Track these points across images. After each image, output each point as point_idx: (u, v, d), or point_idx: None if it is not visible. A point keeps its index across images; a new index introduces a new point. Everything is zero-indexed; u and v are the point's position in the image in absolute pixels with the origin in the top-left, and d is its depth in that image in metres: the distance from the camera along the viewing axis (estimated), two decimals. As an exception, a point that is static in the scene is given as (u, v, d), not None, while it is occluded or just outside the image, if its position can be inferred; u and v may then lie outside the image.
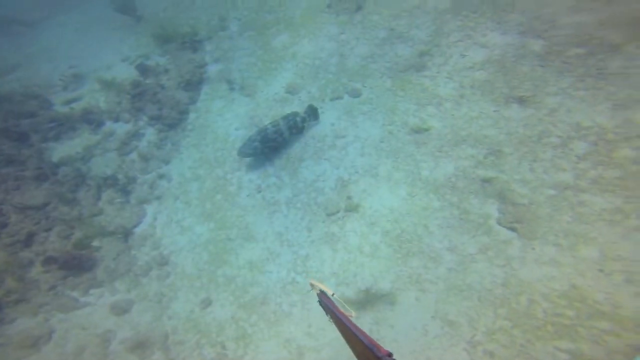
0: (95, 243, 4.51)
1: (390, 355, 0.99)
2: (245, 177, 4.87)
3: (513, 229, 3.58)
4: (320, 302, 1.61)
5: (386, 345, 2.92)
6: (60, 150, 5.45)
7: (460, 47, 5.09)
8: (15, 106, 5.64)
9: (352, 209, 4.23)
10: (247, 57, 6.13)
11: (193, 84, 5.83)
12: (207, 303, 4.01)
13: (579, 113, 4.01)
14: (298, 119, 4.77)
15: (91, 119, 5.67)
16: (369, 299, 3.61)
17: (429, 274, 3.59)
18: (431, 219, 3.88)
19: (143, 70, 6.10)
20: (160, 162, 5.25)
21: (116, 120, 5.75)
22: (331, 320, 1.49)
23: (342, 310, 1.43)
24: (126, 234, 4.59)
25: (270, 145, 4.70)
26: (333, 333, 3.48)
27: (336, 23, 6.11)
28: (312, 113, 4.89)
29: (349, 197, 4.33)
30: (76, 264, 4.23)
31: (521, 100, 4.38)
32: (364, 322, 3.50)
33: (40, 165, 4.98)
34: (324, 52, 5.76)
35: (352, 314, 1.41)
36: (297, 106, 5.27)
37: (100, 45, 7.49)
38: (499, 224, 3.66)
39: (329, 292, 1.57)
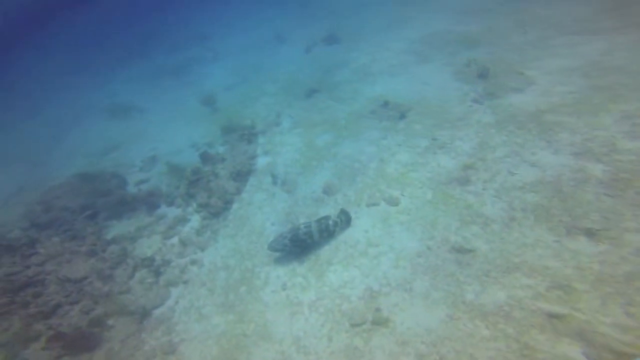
0: (110, 321, 4.52)
1: None
2: (273, 273, 4.75)
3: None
4: None
5: None
6: (117, 228, 6.08)
7: (507, 164, 4.84)
8: (98, 185, 6.69)
9: (380, 322, 3.75)
10: (292, 153, 6.64)
11: (242, 174, 6.37)
12: None
13: None
14: (330, 222, 4.74)
15: (151, 202, 6.37)
16: None
17: None
18: (479, 348, 3.23)
19: (205, 158, 6.95)
20: (197, 248, 5.45)
21: (170, 204, 6.37)
22: None
23: None
24: (144, 314, 4.56)
25: (299, 245, 4.69)
26: None
27: (379, 128, 6.46)
28: (345, 219, 4.84)
29: (377, 309, 3.88)
30: (82, 343, 4.19)
31: (590, 234, 3.75)
32: None
33: (95, 242, 5.53)
34: (364, 156, 5.97)
35: None
36: (332, 208, 5.28)
37: (178, 131, 8.96)
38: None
39: None
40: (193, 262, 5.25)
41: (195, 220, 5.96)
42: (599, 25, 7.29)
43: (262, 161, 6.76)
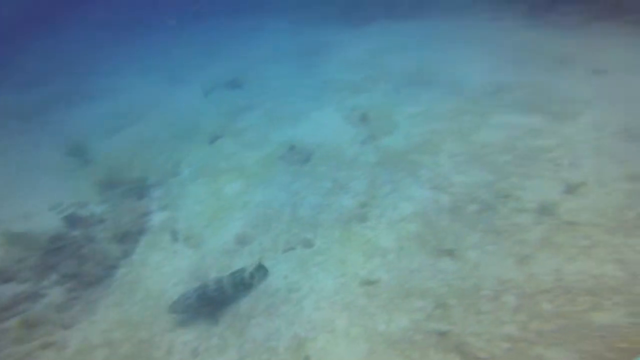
0: None
1: None
2: (179, 339, 4.02)
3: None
4: None
5: None
6: None
7: (392, 199, 5.93)
8: None
9: None
10: (196, 205, 6.08)
11: (131, 235, 5.29)
12: None
13: (494, 267, 4.58)
14: (245, 275, 4.51)
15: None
16: None
17: None
18: None
19: (72, 221, 5.42)
20: (57, 326, 4.03)
21: (9, 280, 4.55)
22: None
23: None
24: None
25: (209, 303, 4.23)
26: None
27: (288, 173, 6.79)
28: (261, 270, 4.73)
29: (306, 357, 3.80)
30: None
31: (450, 254, 4.93)
32: None
33: None
34: (276, 202, 6.09)
35: None
36: (247, 258, 5.03)
37: (31, 190, 6.74)
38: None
39: None
40: (45, 346, 3.89)
41: (56, 294, 4.48)
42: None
43: (157, 217, 5.86)
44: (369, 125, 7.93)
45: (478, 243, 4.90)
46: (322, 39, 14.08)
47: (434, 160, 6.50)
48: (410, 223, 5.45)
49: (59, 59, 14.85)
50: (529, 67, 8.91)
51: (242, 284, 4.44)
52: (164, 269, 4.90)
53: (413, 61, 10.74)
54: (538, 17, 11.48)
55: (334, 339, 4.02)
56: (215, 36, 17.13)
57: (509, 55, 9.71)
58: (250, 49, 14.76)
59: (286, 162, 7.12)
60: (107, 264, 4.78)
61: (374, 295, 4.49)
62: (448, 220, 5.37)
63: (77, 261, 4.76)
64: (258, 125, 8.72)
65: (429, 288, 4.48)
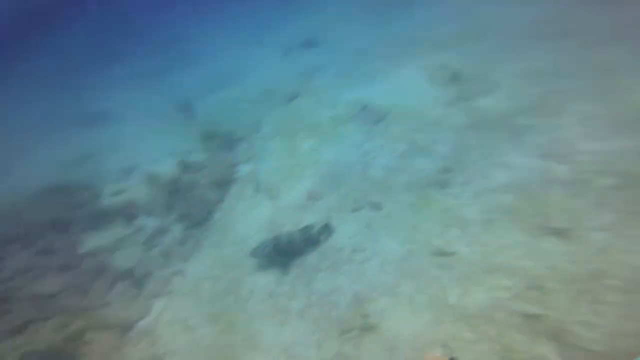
0: (88, 336, 4.27)
1: None
2: (260, 282, 4.66)
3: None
4: None
5: None
6: (93, 240, 5.75)
7: (482, 166, 4.97)
8: (70, 197, 6.29)
9: (369, 328, 3.75)
10: (274, 160, 6.54)
11: (223, 183, 6.20)
12: None
13: (634, 256, 3.41)
14: (313, 232, 4.73)
15: (128, 213, 6.06)
16: None
17: None
18: (464, 351, 3.24)
19: (183, 167, 6.70)
20: (180, 259, 5.25)
21: (149, 215, 6.09)
22: None
23: None
24: (125, 328, 4.36)
25: (282, 253, 4.67)
26: None
27: (360, 132, 6.48)
28: (327, 229, 4.86)
29: (365, 315, 3.88)
30: None
31: (559, 233, 3.91)
32: None
33: (68, 257, 5.20)
34: (347, 161, 5.96)
35: None
36: (316, 214, 5.23)
37: (155, 139, 8.58)
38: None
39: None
40: (177, 273, 5.06)
41: (177, 231, 5.74)
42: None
43: (243, 169, 6.61)
44: (460, 86, 6.62)
45: (611, 225, 3.70)
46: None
47: (552, 124, 5.05)
48: (505, 194, 4.50)
49: (170, 30, 17.62)
50: None
51: (310, 239, 4.71)
52: (247, 217, 5.63)
53: (529, 10, 8.08)
54: None
55: (396, 303, 3.93)
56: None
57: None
58: (328, 5, 13.92)
59: (359, 121, 6.76)
60: (207, 208, 5.84)
61: (448, 266, 4.08)
62: (562, 194, 4.19)
63: (187, 203, 5.99)
64: (332, 85, 8.41)
65: (522, 267, 3.76)
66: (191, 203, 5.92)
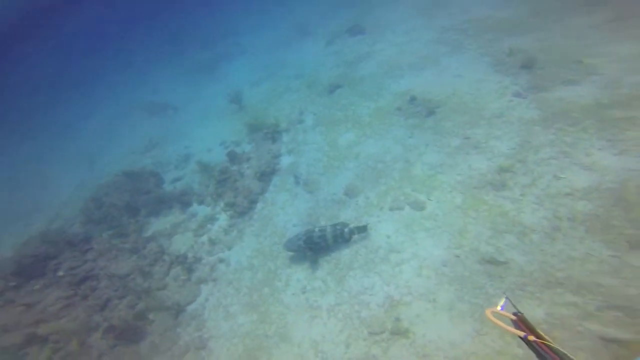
0: (151, 316, 4.83)
1: None
2: (294, 276, 4.72)
3: None
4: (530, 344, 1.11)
5: None
6: (155, 225, 6.48)
7: (553, 166, 4.20)
8: (140, 183, 7.19)
9: (400, 332, 3.57)
10: (315, 152, 6.48)
11: (266, 174, 6.39)
12: None
13: None
14: (346, 230, 4.57)
15: (184, 200, 6.69)
16: None
17: None
18: None
19: (232, 157, 7.08)
20: (225, 247, 5.60)
21: (201, 202, 6.63)
22: None
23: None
24: (179, 310, 4.81)
25: (312, 247, 4.65)
26: None
27: (405, 126, 6.02)
28: (362, 230, 4.64)
29: (397, 319, 3.69)
30: (129, 335, 4.54)
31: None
32: None
33: (137, 240, 5.95)
34: (389, 156, 5.61)
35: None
36: (353, 210, 5.07)
37: (209, 129, 9.20)
38: None
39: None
40: (221, 261, 5.39)
41: (223, 219, 6.12)
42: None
43: (285, 160, 6.71)
44: (534, 73, 5.65)
45: None
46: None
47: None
48: (582, 200, 3.75)
49: (220, 26, 18.53)
50: None
51: (341, 237, 4.58)
52: (287, 209, 5.70)
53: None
54: None
55: (434, 310, 3.63)
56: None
57: None
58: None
59: (404, 114, 6.26)
60: (251, 198, 6.10)
61: (497, 276, 3.61)
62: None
63: (234, 193, 6.34)
64: (377, 74, 7.91)
65: (598, 284, 3.13)
66: (237, 193, 6.25)
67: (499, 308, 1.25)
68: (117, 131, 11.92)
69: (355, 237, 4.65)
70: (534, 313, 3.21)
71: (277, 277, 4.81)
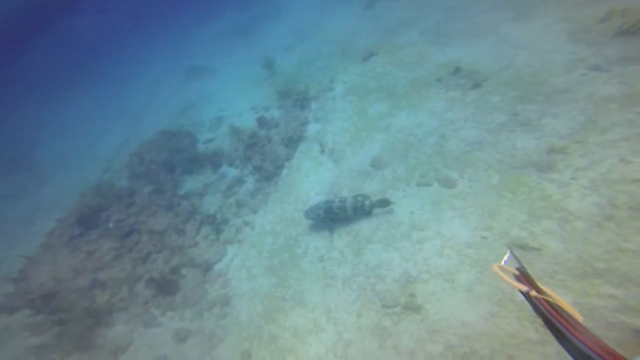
0: (184, 271, 5.22)
1: None
2: (312, 244, 4.77)
3: None
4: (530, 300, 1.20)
5: None
6: (188, 183, 6.85)
7: (622, 149, 3.60)
8: (176, 142, 7.58)
9: (413, 308, 3.54)
10: (343, 121, 6.23)
11: (293, 141, 6.34)
12: (246, 356, 3.97)
13: None
14: (367, 202, 4.43)
15: (215, 161, 6.94)
16: None
17: None
18: (522, 350, 2.85)
19: (261, 122, 7.10)
20: (250, 210, 5.75)
21: (230, 164, 6.83)
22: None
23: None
24: (207, 268, 5.15)
25: (331, 217, 4.61)
26: None
27: (444, 99, 5.48)
28: (383, 203, 4.45)
29: (412, 295, 3.64)
30: (167, 287, 4.97)
31: None
32: None
33: (172, 197, 6.34)
34: (421, 129, 5.21)
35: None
36: (377, 183, 4.89)
37: (241, 93, 9.20)
38: None
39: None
40: (246, 224, 5.57)
41: (250, 182, 6.25)
42: None
43: (312, 128, 6.56)
44: (633, 42, 4.60)
45: None
46: None
47: None
48: (647, 189, 3.21)
49: None
50: None
51: (361, 209, 4.45)
52: (311, 177, 5.66)
53: None
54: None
55: (451, 290, 3.49)
56: None
57: None
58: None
59: (444, 86, 5.68)
60: (277, 163, 6.14)
61: (526, 261, 3.29)
62: None
63: (261, 157, 6.43)
64: (418, 42, 7.15)
65: None
66: (264, 157, 6.33)
67: (502, 262, 1.22)
68: (159, 92, 12.47)
69: (378, 210, 4.51)
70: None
71: (297, 244, 4.89)
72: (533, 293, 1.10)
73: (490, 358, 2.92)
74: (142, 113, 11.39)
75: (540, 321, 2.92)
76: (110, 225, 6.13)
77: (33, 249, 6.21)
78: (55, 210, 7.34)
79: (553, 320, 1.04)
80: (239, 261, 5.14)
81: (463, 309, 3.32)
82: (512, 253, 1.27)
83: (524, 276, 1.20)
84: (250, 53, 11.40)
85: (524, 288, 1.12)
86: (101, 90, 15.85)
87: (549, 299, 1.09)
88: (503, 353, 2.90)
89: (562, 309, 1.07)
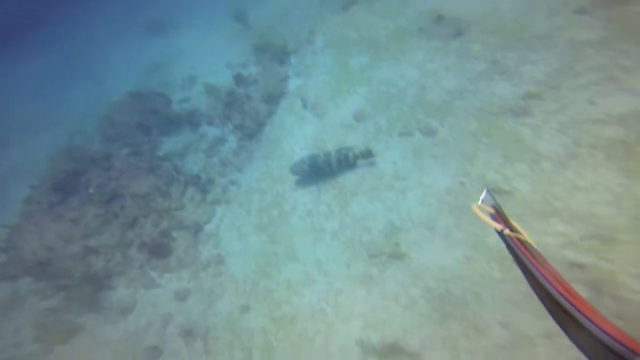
0: (174, 234, 5.19)
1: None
2: (300, 199, 4.83)
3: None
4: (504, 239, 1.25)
5: None
6: (167, 144, 6.50)
7: (592, 93, 3.74)
8: (148, 103, 7.01)
9: (397, 256, 3.80)
10: (324, 75, 5.96)
11: (274, 97, 6.05)
12: (245, 309, 4.19)
13: None
14: (350, 154, 4.46)
15: (193, 120, 6.56)
16: (392, 353, 3.23)
17: (469, 342, 3.01)
18: (487, 288, 3.23)
19: (238, 79, 6.66)
20: (235, 168, 5.64)
21: (210, 124, 6.49)
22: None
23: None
24: (197, 229, 5.13)
25: (317, 172, 4.65)
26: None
27: (426, 49, 5.31)
28: (367, 155, 4.50)
29: (396, 244, 3.88)
30: (159, 251, 4.96)
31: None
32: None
33: (152, 159, 6.02)
34: (403, 80, 5.10)
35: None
36: (360, 135, 4.88)
37: (213, 50, 8.39)
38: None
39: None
40: (232, 183, 5.48)
41: (233, 141, 6.04)
42: None
43: (293, 83, 6.24)
44: None
45: None
46: None
47: None
48: (614, 126, 3.43)
49: None
50: None
51: (345, 161, 4.48)
52: (295, 133, 5.53)
53: None
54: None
55: (431, 237, 3.74)
56: None
57: None
58: None
59: (426, 35, 5.47)
60: (258, 120, 5.91)
61: (501, 206, 3.58)
62: None
63: (241, 116, 6.14)
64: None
65: (593, 214, 3.11)
66: (245, 115, 6.04)
67: (479, 202, 1.26)
68: (117, 50, 11.13)
69: (361, 162, 4.56)
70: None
71: (284, 201, 4.92)
72: (507, 232, 1.14)
73: (462, 296, 3.28)
74: (102, 73, 10.24)
75: (506, 262, 3.27)
76: (91, 190, 5.80)
77: (13, 218, 5.85)
78: (26, 176, 6.81)
79: (523, 258, 1.07)
80: (229, 221, 5.15)
81: (441, 254, 3.61)
82: (488, 191, 1.29)
83: (498, 215, 1.23)
84: (219, 4, 10.23)
85: (499, 227, 1.16)
86: (49, 46, 13.87)
87: (521, 237, 1.12)
88: (472, 291, 3.26)
89: (531, 246, 1.11)
